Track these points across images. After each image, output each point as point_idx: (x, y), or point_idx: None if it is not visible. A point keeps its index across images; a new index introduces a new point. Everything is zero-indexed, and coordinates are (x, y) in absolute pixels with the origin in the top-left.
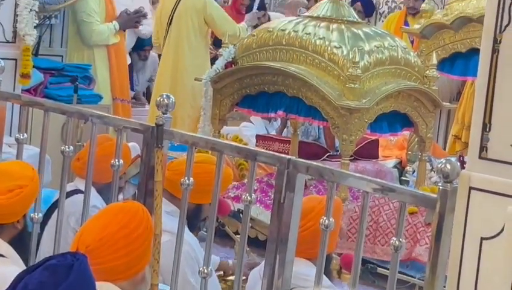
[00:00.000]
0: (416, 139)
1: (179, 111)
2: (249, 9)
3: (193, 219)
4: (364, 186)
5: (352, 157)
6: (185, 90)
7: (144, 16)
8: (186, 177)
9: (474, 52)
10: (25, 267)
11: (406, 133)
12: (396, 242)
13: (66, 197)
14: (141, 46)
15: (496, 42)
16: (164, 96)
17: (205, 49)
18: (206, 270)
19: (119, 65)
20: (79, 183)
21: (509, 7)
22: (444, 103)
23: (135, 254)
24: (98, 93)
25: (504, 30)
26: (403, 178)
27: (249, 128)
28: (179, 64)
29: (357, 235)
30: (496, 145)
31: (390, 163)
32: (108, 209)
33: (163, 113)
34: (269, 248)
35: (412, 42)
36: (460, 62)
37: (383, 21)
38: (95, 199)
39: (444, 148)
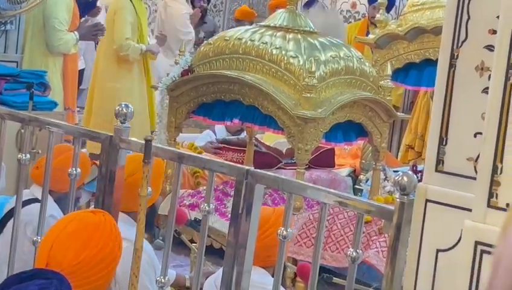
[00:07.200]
0: (370, 148)
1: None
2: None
3: (149, 219)
4: (323, 197)
5: (307, 166)
6: (102, 95)
7: (102, 30)
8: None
9: (428, 62)
10: None
11: (360, 142)
12: (354, 253)
13: (23, 206)
14: None
15: (453, 57)
16: (123, 105)
17: (116, 55)
18: (163, 280)
19: (73, 75)
20: (36, 191)
21: (466, 23)
22: (398, 113)
23: (110, 273)
24: (53, 100)
25: (461, 45)
26: (357, 187)
27: (204, 137)
28: (97, 68)
29: (308, 242)
30: (452, 158)
31: (344, 172)
32: (81, 226)
33: (122, 123)
34: (227, 258)
35: None
36: (414, 72)
37: None
38: (53, 208)
39: (397, 158)
